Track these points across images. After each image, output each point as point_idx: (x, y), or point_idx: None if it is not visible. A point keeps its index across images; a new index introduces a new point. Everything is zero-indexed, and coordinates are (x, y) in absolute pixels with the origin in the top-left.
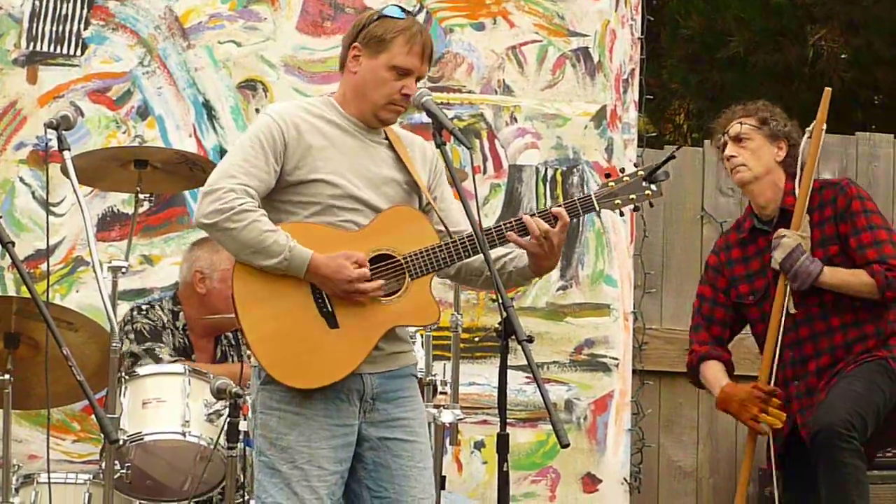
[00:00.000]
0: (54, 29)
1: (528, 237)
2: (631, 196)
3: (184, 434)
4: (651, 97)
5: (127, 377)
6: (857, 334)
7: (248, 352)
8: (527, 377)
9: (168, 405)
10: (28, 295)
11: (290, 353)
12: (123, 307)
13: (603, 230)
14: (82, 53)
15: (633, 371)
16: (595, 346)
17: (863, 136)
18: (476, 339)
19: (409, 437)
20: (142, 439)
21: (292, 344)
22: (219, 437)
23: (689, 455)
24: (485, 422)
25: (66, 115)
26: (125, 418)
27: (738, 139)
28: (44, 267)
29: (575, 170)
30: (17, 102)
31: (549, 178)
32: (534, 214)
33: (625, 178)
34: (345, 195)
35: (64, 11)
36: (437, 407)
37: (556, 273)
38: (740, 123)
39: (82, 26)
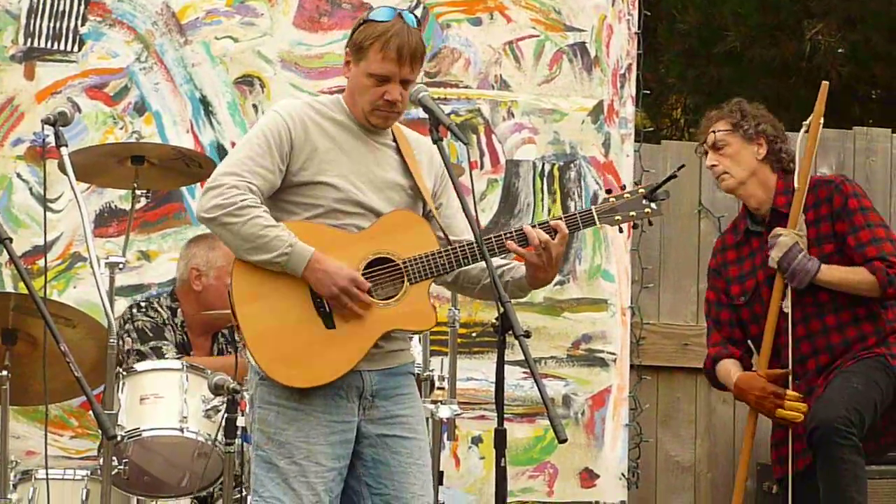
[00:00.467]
0: (51, 25)
1: (528, 247)
2: (631, 213)
3: (182, 430)
4: (648, 92)
5: (124, 373)
6: (855, 334)
7: (245, 348)
8: (524, 372)
9: (166, 401)
10: (26, 291)
11: (285, 352)
12: (121, 303)
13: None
14: (79, 49)
15: (631, 366)
16: (592, 341)
17: (860, 131)
18: (473, 334)
19: (409, 434)
20: (140, 435)
21: (288, 342)
22: (217, 432)
23: (686, 450)
24: (482, 417)
25: (63, 111)
26: (123, 414)
27: (715, 147)
28: (41, 263)
29: (572, 165)
30: (15, 98)
31: (546, 173)
32: (534, 225)
33: (625, 195)
34: (348, 199)
35: (61, 7)
36: (434, 402)
37: None
38: (713, 132)
39: (79, 22)
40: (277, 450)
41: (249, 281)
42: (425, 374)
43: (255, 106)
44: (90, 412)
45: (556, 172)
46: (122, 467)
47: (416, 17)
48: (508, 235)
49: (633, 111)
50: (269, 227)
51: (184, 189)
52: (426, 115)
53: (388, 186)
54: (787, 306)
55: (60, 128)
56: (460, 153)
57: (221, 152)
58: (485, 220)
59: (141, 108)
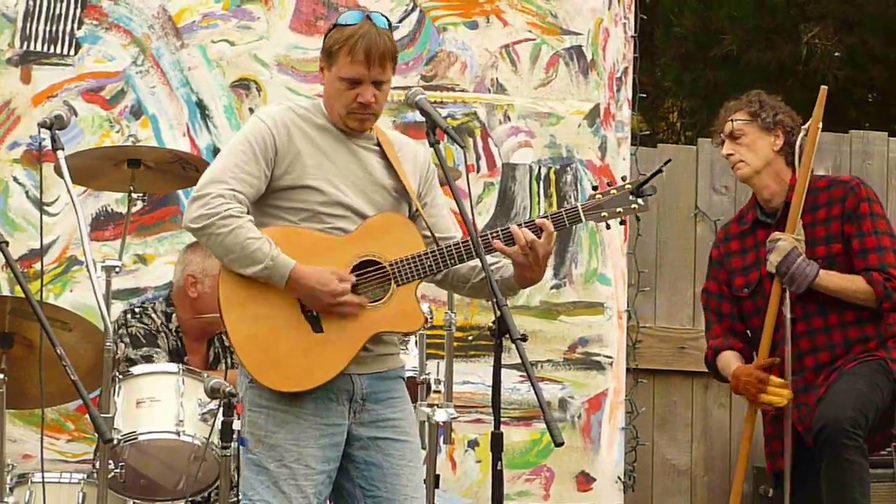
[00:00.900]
0: (48, 28)
1: (514, 247)
2: (618, 209)
3: (178, 433)
4: (644, 95)
5: (121, 377)
6: (857, 334)
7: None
8: (521, 376)
9: (162, 404)
10: (22, 294)
11: (273, 356)
12: (117, 307)
13: (597, 228)
14: (76, 53)
15: (627, 369)
16: (589, 344)
17: (857, 134)
18: (470, 337)
19: (400, 437)
20: (136, 439)
21: (276, 346)
22: (210, 434)
23: (683, 453)
24: (479, 420)
25: (59, 114)
26: (119, 418)
27: (732, 136)
28: (38, 266)
29: (568, 168)
30: (11, 102)
31: (542, 176)
32: (521, 224)
33: (612, 192)
34: (333, 202)
35: (57, 11)
36: (430, 406)
37: (549, 271)
38: (732, 121)
39: (76, 26)
40: (267, 452)
41: (236, 286)
42: (422, 378)
43: (251, 109)
44: (86, 415)
45: (552, 176)
46: (118, 471)
47: (386, 18)
48: (495, 235)
49: (630, 115)
50: (250, 238)
51: (180, 192)
52: (423, 119)
53: (372, 189)
54: (787, 311)
55: (57, 131)
56: (457, 156)
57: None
58: (481, 223)
59: (137, 112)
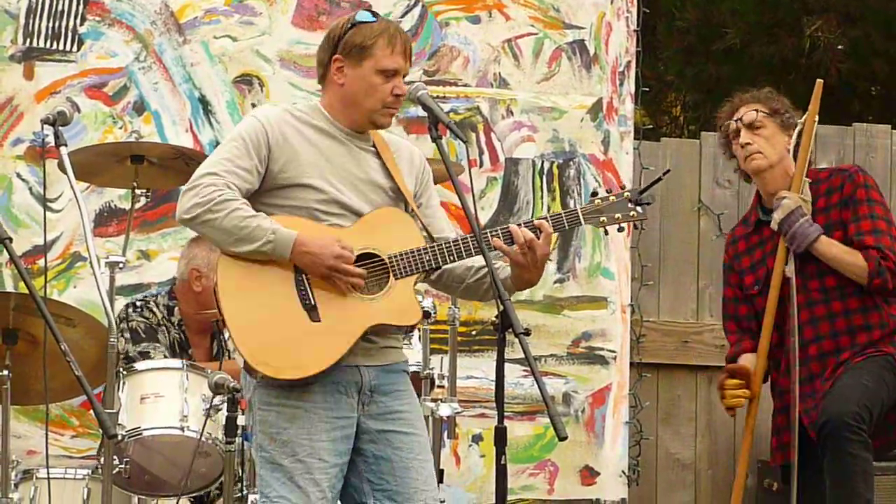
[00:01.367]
0: (50, 25)
1: (514, 246)
2: (616, 215)
3: (182, 429)
4: (647, 89)
5: (125, 372)
6: (861, 322)
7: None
8: (524, 370)
9: (166, 400)
10: (26, 291)
11: (269, 343)
12: (121, 302)
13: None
14: (78, 49)
15: (631, 363)
16: (592, 338)
17: (860, 127)
18: (473, 332)
19: (409, 430)
20: (140, 434)
21: (272, 334)
22: (204, 427)
23: (687, 447)
24: (482, 415)
25: (62, 110)
26: (123, 413)
27: (752, 126)
28: (41, 263)
29: (571, 163)
30: (14, 98)
31: (545, 170)
32: (520, 224)
33: (611, 198)
34: (330, 200)
35: (60, 7)
36: (434, 400)
37: (553, 266)
38: (756, 111)
39: (78, 22)
40: (281, 449)
41: (233, 275)
42: (425, 373)
43: (253, 105)
44: (91, 411)
45: (555, 170)
46: (122, 466)
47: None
48: (494, 233)
49: (633, 109)
50: (249, 217)
51: (183, 188)
52: (425, 114)
53: (368, 188)
54: (791, 271)
55: (60, 127)
56: (459, 151)
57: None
58: (484, 218)
59: (140, 108)
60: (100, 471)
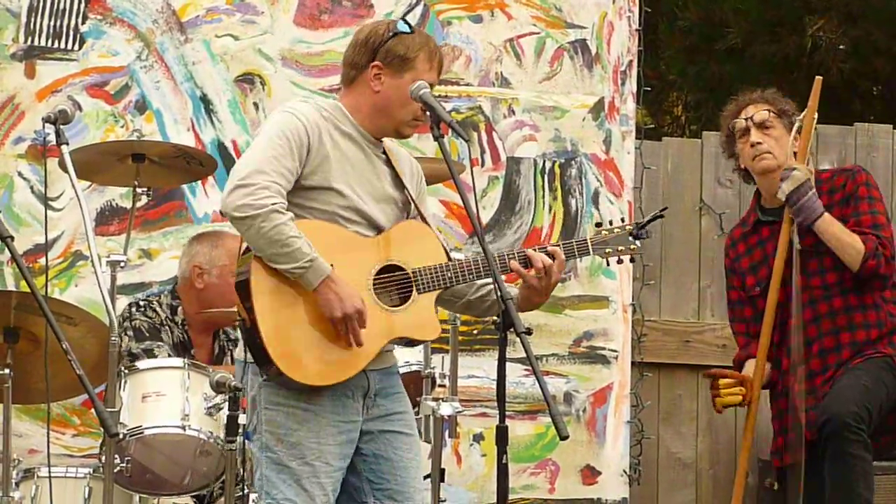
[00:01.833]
0: (52, 23)
1: (529, 269)
2: (619, 248)
3: (183, 428)
4: (649, 89)
5: (126, 371)
6: (860, 320)
7: (253, 340)
8: (526, 369)
9: (168, 399)
10: (27, 289)
11: (298, 349)
12: (122, 301)
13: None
14: (80, 48)
15: (632, 363)
16: (594, 338)
17: (861, 127)
18: (475, 331)
19: (407, 431)
20: (141, 433)
21: (301, 339)
22: (196, 420)
23: (688, 447)
24: (484, 414)
25: (64, 109)
26: (125, 412)
27: (762, 126)
28: (43, 261)
29: (573, 162)
30: (16, 97)
31: (547, 170)
32: (535, 249)
33: (615, 230)
34: (351, 207)
35: (61, 6)
36: (435, 400)
37: None
38: (767, 111)
39: (80, 20)
40: (289, 451)
41: (269, 275)
42: (427, 372)
43: (255, 104)
44: (92, 410)
45: (557, 170)
46: (124, 465)
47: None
48: (511, 256)
49: (634, 108)
50: (292, 237)
51: (185, 187)
52: (427, 113)
53: (384, 199)
54: (797, 243)
55: (61, 126)
56: (461, 150)
57: (222, 150)
58: (486, 217)
59: (142, 107)
60: (101, 469)
